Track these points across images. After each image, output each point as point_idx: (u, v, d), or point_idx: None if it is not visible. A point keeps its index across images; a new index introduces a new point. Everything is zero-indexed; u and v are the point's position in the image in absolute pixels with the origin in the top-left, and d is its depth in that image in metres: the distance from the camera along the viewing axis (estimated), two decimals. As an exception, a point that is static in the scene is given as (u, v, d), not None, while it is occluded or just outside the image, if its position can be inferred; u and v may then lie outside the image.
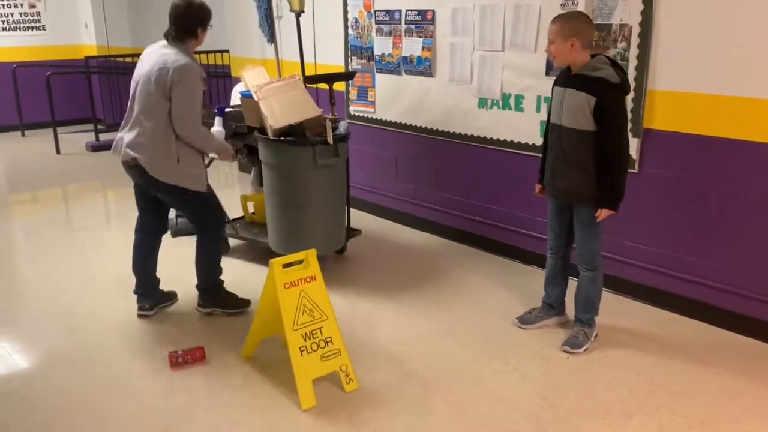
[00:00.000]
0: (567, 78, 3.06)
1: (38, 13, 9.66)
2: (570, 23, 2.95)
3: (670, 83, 3.43)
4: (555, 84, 3.17)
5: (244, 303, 3.71)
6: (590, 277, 3.21)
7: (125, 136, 3.39)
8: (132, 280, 3.74)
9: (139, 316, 3.67)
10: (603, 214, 3.03)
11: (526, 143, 4.17)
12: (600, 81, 2.90)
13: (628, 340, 3.35)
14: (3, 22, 9.40)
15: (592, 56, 2.99)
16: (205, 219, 3.58)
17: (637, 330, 3.46)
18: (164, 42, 3.38)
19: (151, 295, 3.71)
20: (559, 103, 3.08)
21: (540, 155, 3.42)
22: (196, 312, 3.72)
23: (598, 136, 2.95)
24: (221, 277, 3.73)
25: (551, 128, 3.18)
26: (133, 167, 3.38)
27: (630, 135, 3.34)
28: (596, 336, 3.31)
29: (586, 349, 3.23)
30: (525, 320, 3.53)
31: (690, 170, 3.45)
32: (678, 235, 3.57)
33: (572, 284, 3.44)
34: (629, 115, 3.32)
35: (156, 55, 3.32)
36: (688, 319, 3.56)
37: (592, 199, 3.05)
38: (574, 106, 2.98)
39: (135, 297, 3.73)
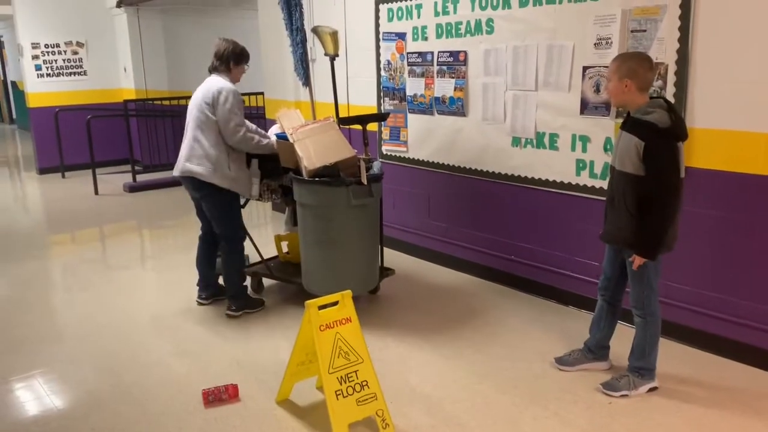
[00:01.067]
0: (624, 120, 3.02)
1: (80, 59, 10.01)
2: (626, 64, 2.91)
3: (708, 121, 3.38)
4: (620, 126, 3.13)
5: (261, 302, 4.36)
6: (641, 324, 3.11)
7: (183, 154, 4.07)
8: (164, 321, 3.96)
9: (198, 303, 4.43)
10: (638, 261, 2.95)
11: (561, 182, 4.14)
12: (649, 125, 2.84)
13: (674, 386, 3.23)
14: (48, 68, 9.76)
15: (652, 98, 2.96)
16: (233, 230, 4.17)
17: (683, 375, 3.34)
18: (210, 76, 4.07)
19: (207, 289, 4.44)
20: (616, 145, 3.07)
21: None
22: (231, 355, 3.71)
23: (642, 181, 2.88)
24: (244, 283, 4.34)
25: (609, 170, 3.15)
26: (189, 180, 4.03)
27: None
28: (651, 390, 3.16)
29: (623, 395, 3.12)
30: (563, 361, 3.44)
31: (733, 209, 3.37)
32: (724, 276, 3.47)
33: (625, 330, 3.37)
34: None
35: (203, 85, 4.03)
36: (738, 364, 3.43)
37: (630, 245, 2.98)
38: (625, 149, 2.93)
39: (172, 335, 3.89)
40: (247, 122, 4.06)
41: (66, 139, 9.48)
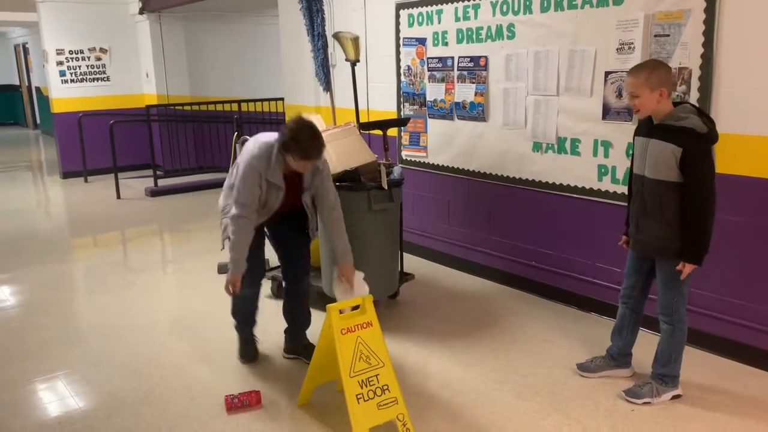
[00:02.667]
0: (650, 127, 2.96)
1: (104, 65, 10.15)
2: (656, 73, 2.84)
3: (734, 126, 3.34)
4: (637, 134, 3.08)
5: (252, 357, 3.73)
6: (668, 330, 3.07)
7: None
8: (185, 324, 3.82)
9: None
10: (687, 269, 2.90)
11: (582, 187, 4.11)
12: (686, 131, 2.79)
13: (698, 394, 3.19)
14: (72, 74, 9.91)
15: (675, 104, 2.92)
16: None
17: (708, 383, 3.30)
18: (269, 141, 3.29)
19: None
20: (642, 153, 2.98)
21: (625, 204, 3.30)
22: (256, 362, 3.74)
23: (682, 188, 2.84)
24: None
25: (634, 179, 3.09)
26: None
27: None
28: (675, 397, 3.13)
29: (646, 403, 3.08)
30: (585, 368, 3.42)
31: (760, 215, 3.32)
32: (749, 283, 3.42)
33: (648, 337, 3.34)
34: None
35: (255, 140, 3.36)
36: (763, 372, 3.38)
37: (674, 253, 2.92)
38: (659, 156, 2.88)
39: (193, 338, 3.92)
40: (242, 209, 3.23)
41: (89, 143, 9.61)
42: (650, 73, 2.84)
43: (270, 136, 3.30)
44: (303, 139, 3.11)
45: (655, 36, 3.56)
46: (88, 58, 10.00)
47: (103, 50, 10.09)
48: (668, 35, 3.50)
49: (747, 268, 3.42)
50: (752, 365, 3.43)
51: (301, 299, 3.69)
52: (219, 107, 9.24)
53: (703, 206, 2.83)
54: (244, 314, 3.68)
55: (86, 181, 9.70)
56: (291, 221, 3.54)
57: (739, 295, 3.46)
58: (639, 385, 3.17)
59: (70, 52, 9.82)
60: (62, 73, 9.84)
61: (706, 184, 2.83)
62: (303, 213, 3.49)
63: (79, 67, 9.94)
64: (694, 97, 3.44)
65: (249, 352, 3.71)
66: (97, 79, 10.13)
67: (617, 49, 3.75)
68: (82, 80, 10.00)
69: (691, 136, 2.79)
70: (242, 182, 3.21)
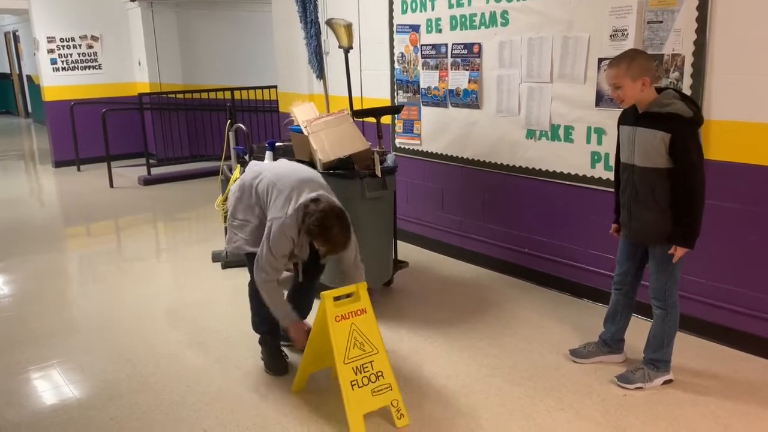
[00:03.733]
0: (635, 116, 2.96)
1: (95, 53, 10.08)
2: (636, 63, 2.84)
3: (726, 113, 3.35)
4: (622, 123, 3.08)
5: (282, 368, 3.48)
6: (661, 315, 3.09)
7: None
8: (179, 312, 3.77)
9: None
10: (679, 252, 2.92)
11: (576, 174, 4.12)
12: (673, 116, 2.81)
13: (690, 378, 3.22)
14: (63, 62, 9.83)
15: (658, 91, 2.92)
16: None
17: (699, 368, 3.33)
18: (311, 188, 3.13)
19: None
20: (630, 142, 2.99)
21: (613, 191, 3.31)
22: (246, 346, 3.74)
23: (673, 173, 2.86)
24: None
25: (622, 168, 3.09)
26: None
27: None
28: (666, 382, 3.15)
29: (638, 388, 3.11)
30: (578, 354, 3.44)
31: (751, 201, 3.34)
32: (740, 269, 3.45)
33: (640, 323, 3.36)
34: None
35: (282, 189, 3.14)
36: (755, 357, 3.41)
37: (668, 238, 2.94)
38: (648, 144, 2.88)
39: (187, 327, 3.89)
40: (270, 275, 3.13)
41: (81, 132, 9.55)
42: (630, 63, 2.85)
43: (293, 191, 3.09)
44: (335, 234, 2.97)
45: (648, 22, 3.56)
46: (80, 46, 9.92)
47: (94, 38, 10.02)
48: (661, 22, 3.50)
49: (738, 254, 3.44)
50: (742, 350, 3.46)
51: (308, 292, 3.59)
52: (212, 95, 9.20)
53: (694, 189, 2.85)
54: (271, 324, 3.37)
55: (79, 170, 9.65)
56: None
57: (730, 280, 3.49)
58: (631, 370, 3.20)
59: (61, 39, 9.74)
60: (53, 61, 9.77)
61: (697, 167, 2.85)
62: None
63: (71, 55, 9.87)
64: (686, 84, 3.45)
65: (279, 364, 3.43)
66: (89, 67, 10.06)
67: (611, 36, 3.74)
68: (73, 68, 9.93)
69: (678, 122, 2.80)
70: (274, 250, 3.05)
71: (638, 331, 3.38)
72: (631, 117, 3.00)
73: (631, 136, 2.98)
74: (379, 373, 2.88)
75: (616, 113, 3.80)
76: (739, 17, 3.22)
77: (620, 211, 3.19)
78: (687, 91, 3.43)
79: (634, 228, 3.09)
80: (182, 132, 9.58)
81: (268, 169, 3.34)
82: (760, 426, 2.82)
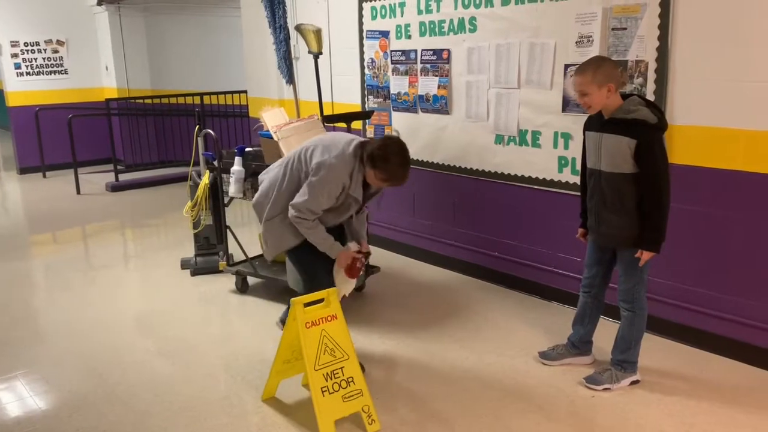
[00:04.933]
0: (601, 122, 3.00)
1: (61, 58, 9.91)
2: (601, 70, 2.88)
3: (688, 118, 3.43)
4: (588, 129, 3.13)
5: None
6: (629, 317, 3.14)
7: None
8: (148, 320, 3.72)
9: None
10: (645, 256, 2.97)
11: (543, 179, 4.17)
12: (638, 123, 2.85)
13: (656, 379, 3.27)
14: (27, 66, 9.65)
15: (624, 97, 2.97)
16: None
17: (665, 368, 3.39)
18: (353, 146, 3.15)
19: None
20: (596, 148, 3.03)
21: (579, 195, 3.36)
22: (216, 354, 3.71)
23: (639, 178, 2.90)
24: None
25: (589, 173, 3.14)
26: None
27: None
28: (633, 383, 3.20)
29: (606, 389, 3.15)
30: (547, 356, 3.48)
31: (714, 205, 3.42)
32: (705, 271, 3.52)
33: (608, 325, 3.41)
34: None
35: (328, 145, 3.19)
36: (718, 357, 3.48)
37: (631, 242, 2.99)
38: (614, 150, 2.92)
39: (156, 335, 3.85)
40: (312, 215, 3.18)
41: (47, 138, 9.39)
42: (595, 71, 2.88)
43: (342, 141, 3.15)
44: (396, 164, 3.02)
45: (613, 29, 3.63)
46: (45, 50, 9.75)
47: (60, 42, 9.85)
48: (625, 28, 3.57)
49: (702, 256, 3.51)
50: (707, 350, 3.54)
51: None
52: (181, 100, 9.11)
53: (660, 194, 2.91)
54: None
55: (45, 176, 9.48)
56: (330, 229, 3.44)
57: (694, 282, 3.56)
58: (599, 371, 3.25)
59: (26, 44, 9.56)
60: (17, 66, 9.59)
61: (661, 172, 2.90)
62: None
63: (35, 59, 9.69)
64: (650, 89, 3.52)
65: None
66: (55, 72, 9.89)
67: (576, 42, 3.81)
68: (38, 73, 9.76)
69: (642, 128, 2.85)
70: (321, 191, 3.08)
71: (606, 332, 3.43)
72: (596, 123, 3.04)
73: (597, 142, 3.02)
74: (350, 379, 2.88)
75: (583, 118, 3.86)
76: (699, 24, 3.30)
77: (587, 215, 3.24)
78: (650, 97, 3.50)
79: (602, 232, 3.13)
80: (150, 137, 9.46)
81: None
82: (723, 424, 2.88)
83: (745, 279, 3.36)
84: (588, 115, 3.14)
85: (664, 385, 3.22)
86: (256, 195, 3.46)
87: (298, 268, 3.50)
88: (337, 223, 3.38)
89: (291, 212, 3.17)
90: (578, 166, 3.91)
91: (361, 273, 3.44)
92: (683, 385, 3.21)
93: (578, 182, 3.92)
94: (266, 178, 3.45)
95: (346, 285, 3.38)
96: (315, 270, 3.38)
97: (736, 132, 3.26)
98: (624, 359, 3.20)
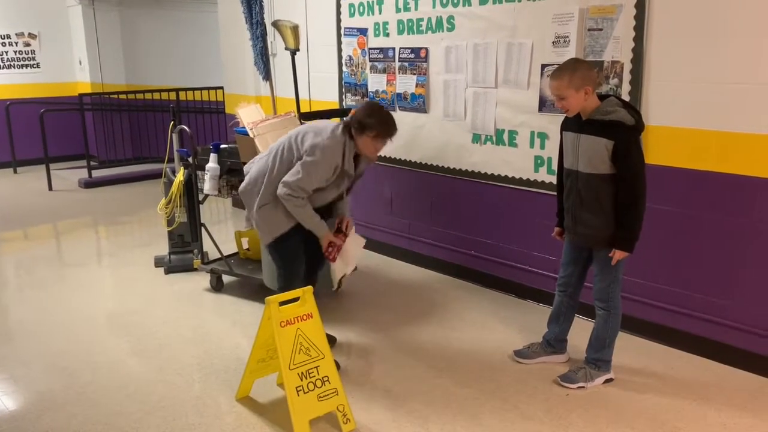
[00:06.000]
0: (579, 123, 3.01)
1: (33, 51, 9.72)
2: (577, 74, 2.89)
3: (662, 118, 3.47)
4: (565, 129, 3.14)
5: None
6: (603, 316, 3.16)
7: None
8: (121, 319, 3.66)
9: None
10: (618, 255, 2.99)
11: (520, 178, 4.19)
12: (616, 124, 2.87)
13: (629, 377, 3.31)
14: (-2, 60, 9.46)
15: (601, 97, 2.98)
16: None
17: (637, 366, 3.43)
18: (341, 127, 3.28)
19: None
20: (574, 148, 3.04)
21: (555, 195, 3.38)
22: (190, 353, 3.66)
23: (616, 179, 2.92)
24: None
25: (566, 174, 3.15)
26: None
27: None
28: (607, 381, 3.22)
29: (580, 387, 3.18)
30: (522, 354, 3.50)
31: (686, 205, 3.46)
32: (677, 270, 3.56)
33: (582, 323, 3.43)
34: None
35: (315, 132, 3.30)
36: (689, 355, 3.53)
37: (609, 242, 3.02)
38: (591, 151, 2.94)
39: (128, 334, 3.79)
40: (302, 193, 3.22)
41: (18, 133, 9.21)
42: (572, 75, 2.89)
43: (331, 125, 3.33)
44: (383, 116, 3.25)
45: (589, 30, 3.65)
46: (16, 43, 9.56)
47: (32, 36, 9.67)
48: (601, 29, 3.60)
49: (674, 255, 3.56)
50: (679, 348, 3.58)
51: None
52: (156, 96, 8.98)
53: (636, 195, 2.93)
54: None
55: (15, 172, 9.30)
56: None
57: (667, 281, 3.61)
58: (573, 370, 3.27)
59: (-4, 36, 9.37)
60: (-13, 59, 9.39)
61: (638, 174, 2.93)
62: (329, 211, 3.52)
63: (6, 53, 9.50)
64: (625, 90, 3.55)
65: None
66: (26, 66, 9.71)
67: (553, 42, 3.82)
68: (9, 67, 9.56)
69: (620, 129, 2.87)
70: (315, 170, 3.19)
71: (580, 331, 3.45)
72: (574, 124, 3.05)
73: (575, 142, 3.04)
74: (325, 378, 2.86)
75: (559, 118, 3.88)
76: (674, 26, 3.34)
77: (563, 215, 3.26)
78: (626, 98, 3.53)
79: (579, 232, 3.14)
80: (125, 133, 9.33)
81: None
82: (694, 421, 2.92)
83: (716, 278, 3.41)
84: (565, 114, 3.15)
85: (636, 382, 3.26)
86: (243, 183, 3.48)
87: (277, 262, 3.51)
88: (325, 203, 3.40)
89: (281, 190, 3.22)
90: (554, 166, 3.95)
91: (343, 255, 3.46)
92: (655, 383, 3.25)
93: (554, 182, 3.95)
94: (253, 168, 3.49)
95: (346, 265, 3.51)
96: (293, 265, 3.43)
97: (708, 133, 3.30)
98: (598, 358, 3.22)
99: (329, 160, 3.20)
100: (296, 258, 3.45)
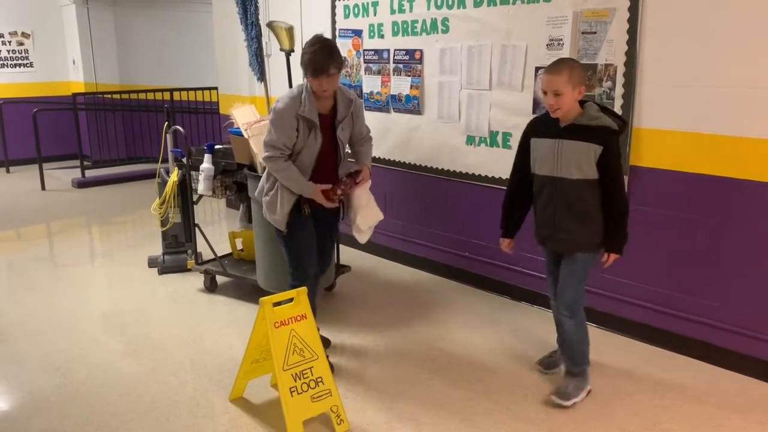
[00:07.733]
0: (555, 129, 2.95)
1: (26, 51, 9.69)
2: (575, 72, 2.83)
3: (655, 121, 3.49)
4: (537, 136, 3.03)
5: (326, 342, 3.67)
6: (573, 326, 3.09)
7: None
8: (114, 319, 3.65)
9: None
10: (611, 258, 2.98)
11: (514, 180, 4.20)
12: (604, 130, 2.84)
13: (621, 379, 3.32)
14: (-9, 59, 9.43)
15: (580, 103, 2.93)
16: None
17: (629, 368, 3.44)
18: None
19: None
20: (553, 155, 2.94)
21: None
22: (183, 354, 3.66)
23: (601, 183, 2.89)
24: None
25: (542, 181, 3.02)
26: None
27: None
28: (590, 392, 3.17)
29: (575, 403, 3.08)
30: (547, 364, 3.41)
31: (677, 207, 3.48)
32: (668, 272, 3.59)
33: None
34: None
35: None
36: (681, 356, 3.55)
37: (591, 246, 2.99)
38: (579, 156, 2.87)
39: (122, 334, 3.76)
40: (274, 150, 3.24)
41: (11, 132, 9.18)
42: (571, 71, 2.83)
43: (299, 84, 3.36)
44: (307, 58, 3.15)
45: (583, 33, 3.67)
46: (9, 42, 9.53)
47: (25, 35, 9.64)
48: (595, 32, 3.62)
49: (665, 258, 3.58)
50: (670, 350, 3.60)
51: (314, 284, 3.54)
52: (150, 96, 8.97)
53: (624, 198, 2.96)
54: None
55: (8, 171, 9.26)
56: (330, 224, 3.61)
57: (655, 282, 3.63)
58: (565, 385, 3.14)
59: (-11, 35, 9.34)
60: (-20, 58, 9.35)
61: (622, 177, 2.97)
62: (336, 212, 3.58)
63: (-1, 51, 9.47)
64: (618, 93, 3.57)
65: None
66: (20, 65, 9.67)
67: (547, 45, 3.84)
68: (2, 66, 9.52)
69: (609, 135, 2.86)
70: (276, 122, 3.23)
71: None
72: (550, 130, 2.97)
73: (554, 148, 2.94)
74: (319, 379, 2.87)
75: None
76: (667, 30, 3.36)
77: (512, 225, 3.27)
78: (619, 100, 3.56)
79: (560, 239, 3.04)
80: (118, 133, 9.31)
81: None
82: (685, 422, 2.94)
83: (707, 280, 3.43)
84: (529, 121, 3.13)
85: (628, 384, 3.27)
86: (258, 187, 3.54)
87: (287, 256, 3.48)
88: (313, 163, 3.31)
89: (262, 155, 3.29)
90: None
91: (341, 197, 3.47)
92: (647, 385, 3.27)
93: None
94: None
95: (370, 217, 3.65)
96: (302, 259, 3.43)
97: (700, 136, 3.32)
98: (583, 368, 3.16)
99: (287, 111, 3.21)
100: (305, 256, 3.42)
